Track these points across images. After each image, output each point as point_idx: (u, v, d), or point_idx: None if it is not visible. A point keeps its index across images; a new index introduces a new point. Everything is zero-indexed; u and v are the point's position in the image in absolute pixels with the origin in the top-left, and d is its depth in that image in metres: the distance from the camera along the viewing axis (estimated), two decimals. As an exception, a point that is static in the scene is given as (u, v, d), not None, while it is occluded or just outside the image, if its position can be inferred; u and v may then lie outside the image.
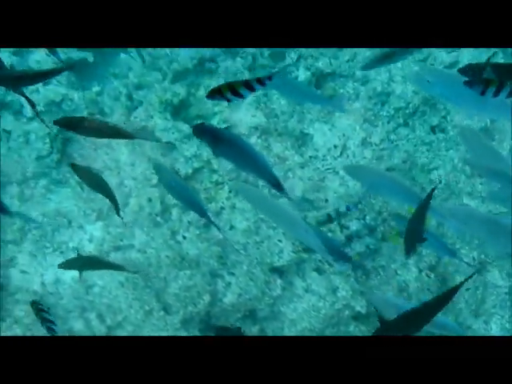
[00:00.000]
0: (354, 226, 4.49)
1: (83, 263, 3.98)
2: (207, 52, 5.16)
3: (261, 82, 2.50)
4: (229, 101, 2.57)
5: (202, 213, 3.22)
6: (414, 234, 3.30)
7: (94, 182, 3.57)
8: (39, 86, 5.11)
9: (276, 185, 2.84)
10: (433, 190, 3.25)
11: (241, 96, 2.54)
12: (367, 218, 4.51)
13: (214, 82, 5.12)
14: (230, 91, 2.54)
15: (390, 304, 3.57)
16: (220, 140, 2.84)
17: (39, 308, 3.41)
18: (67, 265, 3.98)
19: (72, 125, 3.10)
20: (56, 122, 3.11)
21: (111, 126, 3.13)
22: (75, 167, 3.66)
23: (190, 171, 4.95)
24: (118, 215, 3.65)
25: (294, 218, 3.30)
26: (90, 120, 3.15)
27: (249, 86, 2.52)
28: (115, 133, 3.14)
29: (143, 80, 5.50)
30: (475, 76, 2.70)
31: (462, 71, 2.71)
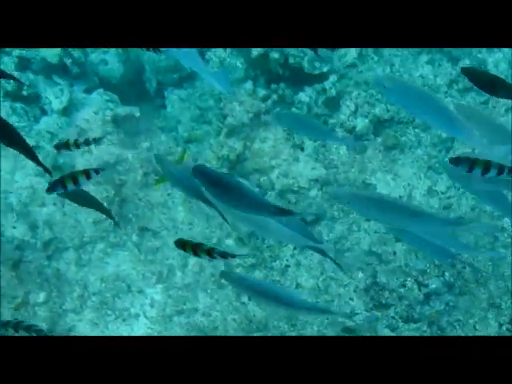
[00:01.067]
0: (433, 283, 4.29)
1: None
2: (262, 105, 5.02)
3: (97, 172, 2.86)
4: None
5: (207, 201, 3.04)
6: None
7: (81, 198, 3.40)
8: (92, 146, 4.97)
9: (282, 212, 2.68)
10: None
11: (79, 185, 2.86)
12: (446, 274, 4.31)
13: (270, 135, 4.98)
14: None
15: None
16: (216, 183, 2.71)
17: (13, 323, 3.19)
18: None
19: None
20: None
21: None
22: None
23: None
24: (117, 225, 3.83)
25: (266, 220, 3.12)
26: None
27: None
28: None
29: (193, 134, 5.38)
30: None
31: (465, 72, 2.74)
